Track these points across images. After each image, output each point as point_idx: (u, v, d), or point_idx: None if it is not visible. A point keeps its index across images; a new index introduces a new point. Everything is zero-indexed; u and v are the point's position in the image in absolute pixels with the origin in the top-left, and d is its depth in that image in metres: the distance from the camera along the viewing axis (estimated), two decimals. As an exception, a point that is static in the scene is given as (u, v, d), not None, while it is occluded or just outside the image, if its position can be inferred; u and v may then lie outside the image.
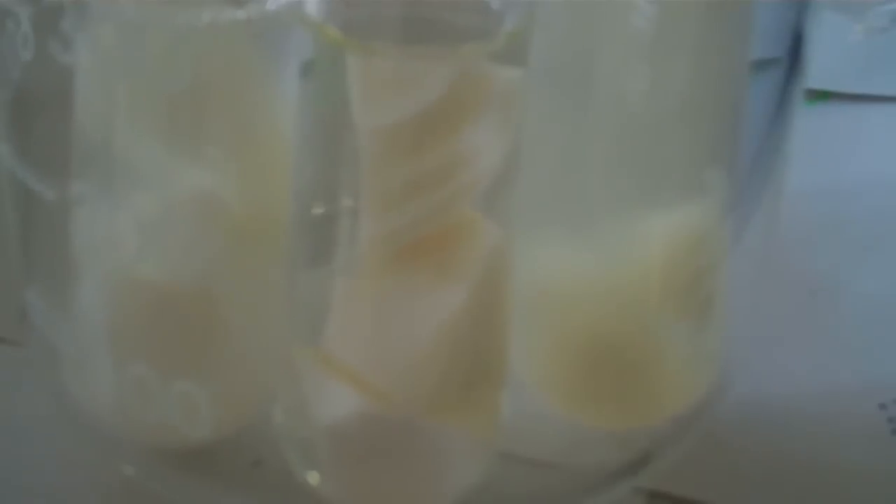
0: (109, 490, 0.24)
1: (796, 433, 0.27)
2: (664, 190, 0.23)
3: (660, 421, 0.24)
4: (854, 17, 0.37)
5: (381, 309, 0.20)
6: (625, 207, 0.23)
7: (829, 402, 0.28)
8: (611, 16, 0.21)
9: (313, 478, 0.21)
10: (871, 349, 0.29)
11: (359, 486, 0.21)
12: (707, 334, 0.24)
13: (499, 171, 0.20)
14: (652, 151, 0.22)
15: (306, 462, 0.21)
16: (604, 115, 0.22)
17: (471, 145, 0.20)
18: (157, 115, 0.21)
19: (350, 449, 0.21)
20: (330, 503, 0.22)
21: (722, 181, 0.23)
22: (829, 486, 0.26)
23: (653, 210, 0.22)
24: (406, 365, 0.20)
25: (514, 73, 0.20)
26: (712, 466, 0.26)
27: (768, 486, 0.26)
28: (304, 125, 0.20)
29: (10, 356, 0.27)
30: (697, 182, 0.23)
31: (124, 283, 0.21)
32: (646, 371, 0.23)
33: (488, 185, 0.20)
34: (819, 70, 0.34)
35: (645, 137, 0.22)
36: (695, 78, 0.22)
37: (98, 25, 0.20)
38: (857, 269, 0.31)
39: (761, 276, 0.25)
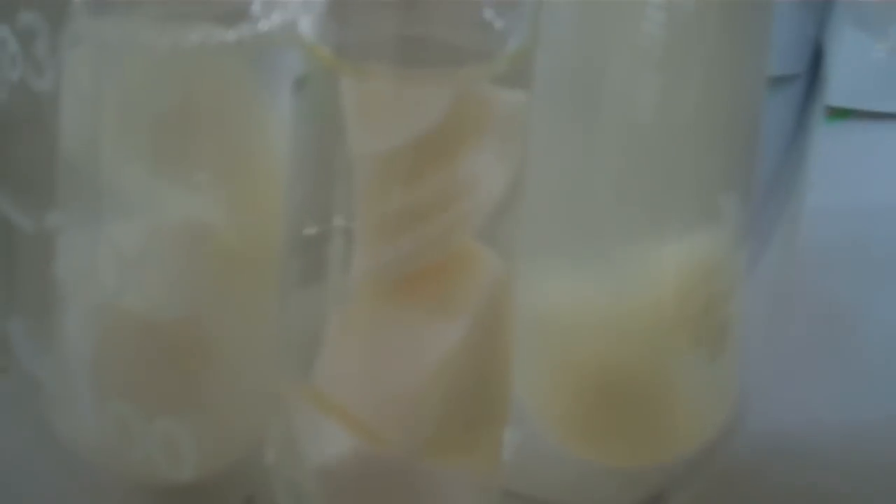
0: None
1: (817, 469, 0.27)
2: (675, 216, 0.22)
3: (672, 458, 0.24)
4: (875, 35, 0.37)
5: (376, 344, 0.20)
6: (634, 235, 0.22)
7: (850, 436, 0.27)
8: (619, 34, 0.21)
9: None
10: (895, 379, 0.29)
11: None
12: (721, 366, 0.23)
13: (501, 199, 0.20)
14: (662, 176, 0.22)
15: None
16: (612, 138, 0.22)
17: (471, 172, 0.19)
18: (143, 140, 0.21)
19: (343, 491, 0.20)
20: None
21: (736, 207, 0.23)
22: None
23: (663, 237, 0.22)
24: (402, 403, 0.20)
25: (517, 96, 0.20)
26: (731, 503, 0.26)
27: None
28: (296, 143, 0.20)
29: None
30: (710, 208, 0.22)
31: (107, 316, 0.21)
32: (656, 406, 0.23)
33: (490, 214, 0.20)
34: (839, 88, 0.34)
35: (655, 162, 0.22)
36: (707, 99, 0.22)
37: (81, 46, 0.20)
38: (878, 293, 0.31)
39: (778, 303, 0.25)
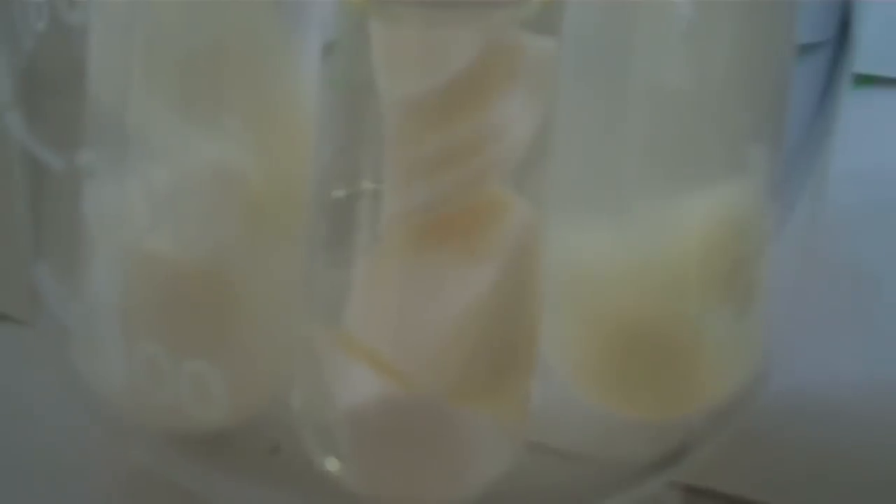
0: (121, 473, 0.24)
1: (841, 426, 0.27)
2: (703, 169, 0.22)
3: (697, 412, 0.24)
4: None
5: (405, 289, 0.20)
6: (662, 188, 0.22)
7: (875, 393, 0.27)
8: None
9: (333, 464, 0.21)
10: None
11: (381, 473, 0.21)
12: (747, 322, 0.23)
13: (530, 146, 0.20)
14: (691, 130, 0.22)
15: (326, 448, 0.21)
16: (641, 92, 0.22)
17: (500, 118, 0.19)
18: (173, 83, 0.21)
19: (372, 434, 0.21)
20: (351, 491, 0.21)
21: (764, 160, 0.23)
22: (876, 482, 0.26)
23: (692, 190, 0.22)
24: (431, 347, 0.20)
25: (547, 42, 0.20)
26: (754, 461, 0.26)
27: (812, 481, 0.26)
28: (325, 106, 0.20)
29: (20, 335, 0.27)
30: (739, 161, 0.22)
31: (135, 258, 0.21)
32: (682, 359, 0.23)
33: (519, 161, 0.20)
34: (863, 54, 0.33)
35: (684, 115, 0.22)
36: (737, 55, 0.22)
37: None
38: None
39: (805, 263, 0.25)
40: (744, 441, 0.25)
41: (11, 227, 0.24)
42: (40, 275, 0.23)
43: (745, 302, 0.23)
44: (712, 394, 0.23)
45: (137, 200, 0.21)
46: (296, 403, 0.21)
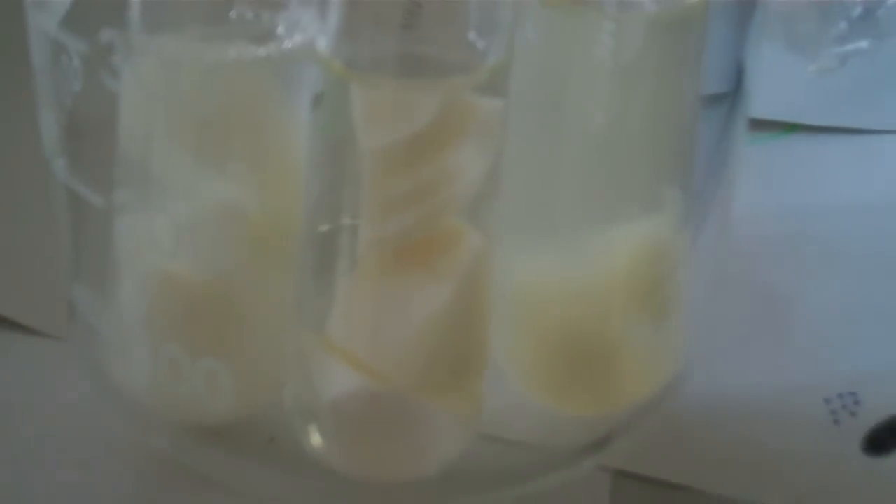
0: (143, 459, 0.26)
1: (750, 422, 0.28)
2: (628, 204, 0.24)
3: (622, 408, 0.25)
4: (807, 58, 0.37)
5: (378, 302, 0.22)
6: (593, 220, 0.24)
7: (779, 396, 0.28)
8: (579, 52, 0.23)
9: (318, 446, 0.23)
10: (819, 351, 0.30)
11: (357, 453, 0.23)
12: (666, 333, 0.25)
13: (481, 186, 0.21)
14: (617, 171, 0.23)
15: (312, 432, 0.23)
16: (573, 140, 0.23)
17: (456, 164, 0.21)
18: (189, 136, 0.22)
19: (350, 422, 0.22)
20: (333, 469, 0.23)
21: (678, 197, 0.24)
22: (777, 468, 0.27)
23: (618, 222, 0.24)
24: (399, 350, 0.22)
25: (495, 102, 0.21)
26: (674, 450, 0.27)
27: (723, 468, 0.27)
28: (313, 151, 0.22)
29: (56, 347, 0.28)
30: (657, 198, 0.24)
31: (160, 279, 0.23)
32: (610, 364, 0.24)
33: (472, 198, 0.22)
34: (786, 104, 0.34)
35: (610, 159, 0.23)
36: (653, 107, 0.23)
37: (140, 60, 0.21)
38: (812, 282, 0.32)
39: (719, 284, 0.27)
40: (667, 433, 0.26)
41: (54, 254, 0.25)
42: (79, 293, 0.25)
43: (662, 316, 0.25)
44: (635, 393, 0.25)
45: (161, 232, 0.22)
46: (288, 397, 0.23)
